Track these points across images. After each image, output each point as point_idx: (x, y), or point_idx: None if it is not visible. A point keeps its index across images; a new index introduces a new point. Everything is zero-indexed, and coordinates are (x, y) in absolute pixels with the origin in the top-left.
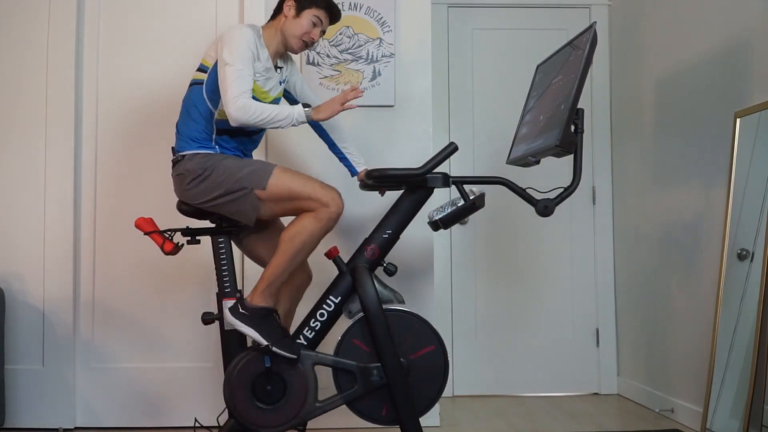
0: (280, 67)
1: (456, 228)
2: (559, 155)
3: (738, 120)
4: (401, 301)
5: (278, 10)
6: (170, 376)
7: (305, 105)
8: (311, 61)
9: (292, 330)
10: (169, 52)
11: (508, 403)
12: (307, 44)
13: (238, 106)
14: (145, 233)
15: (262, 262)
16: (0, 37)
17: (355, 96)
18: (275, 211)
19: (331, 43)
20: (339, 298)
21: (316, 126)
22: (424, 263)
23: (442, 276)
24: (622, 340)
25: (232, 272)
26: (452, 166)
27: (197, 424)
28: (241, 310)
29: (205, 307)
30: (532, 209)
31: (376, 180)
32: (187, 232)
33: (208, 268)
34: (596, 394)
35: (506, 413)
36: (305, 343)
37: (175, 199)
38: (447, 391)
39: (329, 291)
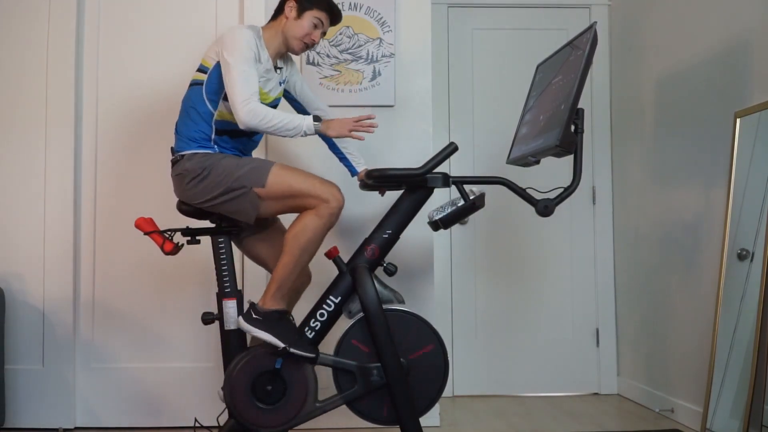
0: (280, 68)
1: (456, 228)
2: (559, 155)
3: (738, 120)
4: (401, 301)
5: (279, 11)
6: (170, 376)
7: (316, 118)
8: (311, 61)
9: None
10: (169, 52)
11: (508, 403)
12: (308, 46)
13: (248, 110)
14: (145, 233)
15: (261, 263)
16: (0, 37)
17: (367, 127)
18: (275, 209)
19: (331, 43)
20: (339, 298)
21: None
22: (424, 263)
23: (442, 276)
24: (622, 340)
25: (232, 272)
26: (452, 166)
27: (197, 424)
28: (254, 316)
29: (205, 307)
30: (532, 209)
31: (376, 180)
32: (187, 232)
33: (208, 268)
34: (596, 394)
35: (506, 413)
36: None
37: (175, 199)
38: (447, 391)
39: (329, 291)
